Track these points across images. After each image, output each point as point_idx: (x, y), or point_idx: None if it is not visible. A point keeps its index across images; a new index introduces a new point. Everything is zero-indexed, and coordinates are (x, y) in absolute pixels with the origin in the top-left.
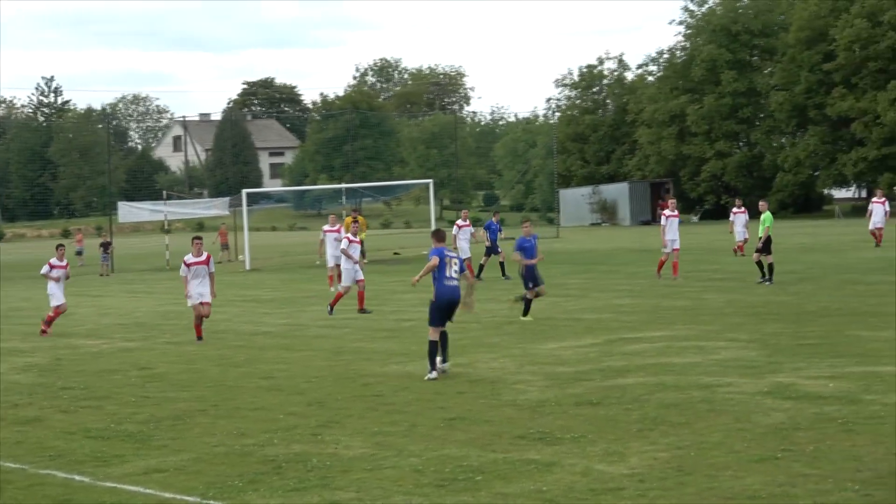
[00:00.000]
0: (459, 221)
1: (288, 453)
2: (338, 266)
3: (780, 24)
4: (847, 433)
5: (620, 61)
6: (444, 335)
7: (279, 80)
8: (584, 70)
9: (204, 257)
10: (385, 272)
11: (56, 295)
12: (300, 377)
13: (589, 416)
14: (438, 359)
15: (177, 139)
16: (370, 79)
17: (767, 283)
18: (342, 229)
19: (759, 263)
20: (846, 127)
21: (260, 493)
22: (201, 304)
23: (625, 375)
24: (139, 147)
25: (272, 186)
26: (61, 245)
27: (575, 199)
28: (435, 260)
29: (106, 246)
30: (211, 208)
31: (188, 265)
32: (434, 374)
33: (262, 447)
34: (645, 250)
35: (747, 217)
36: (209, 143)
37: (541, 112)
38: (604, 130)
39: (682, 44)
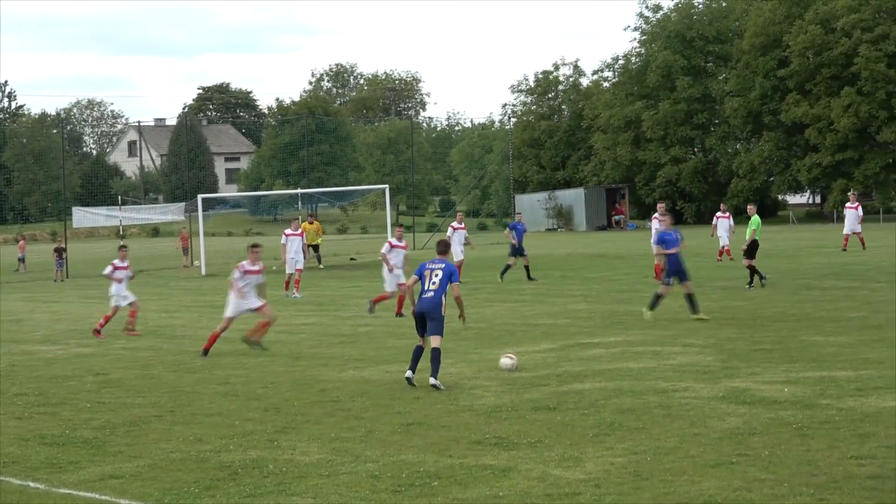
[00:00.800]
0: (455, 224)
1: (244, 459)
2: (299, 271)
3: (734, 30)
4: (802, 438)
5: (576, 67)
6: (435, 353)
7: (235, 86)
8: (540, 76)
9: (260, 266)
10: (342, 277)
11: (115, 296)
12: (257, 383)
13: (545, 422)
14: (433, 380)
15: (132, 144)
16: (326, 84)
17: (764, 281)
18: (303, 234)
19: (751, 268)
20: (800, 133)
21: (216, 499)
22: (233, 317)
23: (581, 381)
24: (94, 152)
25: (228, 192)
26: (124, 246)
27: (531, 205)
28: (412, 279)
29: (60, 251)
30: (166, 214)
31: (244, 272)
32: (408, 374)
33: (219, 453)
34: (600, 256)
35: (731, 222)
36: (164, 148)
37: (497, 118)
38: (559, 136)
39: (638, 50)
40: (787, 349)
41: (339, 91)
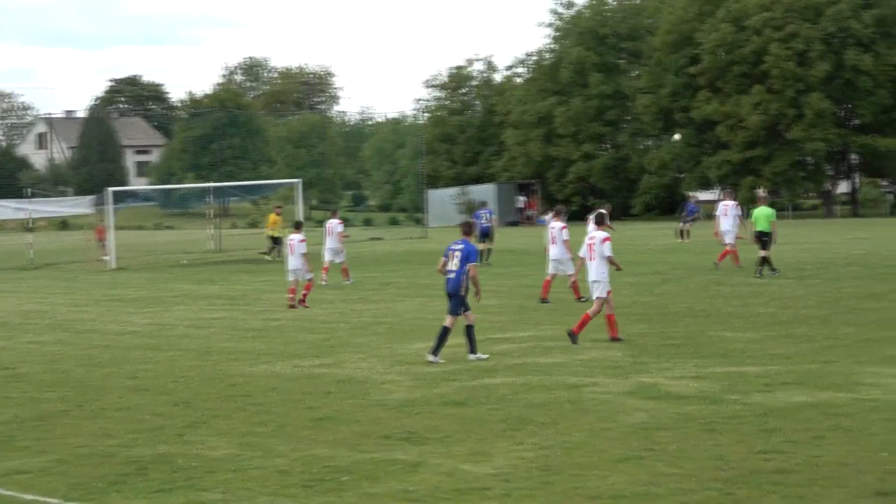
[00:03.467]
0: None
1: (153, 454)
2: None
3: (646, 27)
4: (710, 432)
5: (489, 63)
6: (467, 330)
7: (146, 78)
8: (453, 71)
9: None
10: (252, 272)
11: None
12: (166, 377)
13: (455, 416)
14: (473, 355)
15: (41, 136)
16: (238, 77)
17: (773, 273)
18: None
19: (765, 259)
20: (710, 130)
21: (124, 494)
22: None
23: (491, 375)
24: (2, 144)
25: (138, 185)
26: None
27: (442, 200)
28: (441, 261)
29: None
30: (75, 207)
31: None
32: (431, 358)
33: (127, 448)
34: (510, 251)
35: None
36: (74, 140)
37: (409, 113)
38: (471, 132)
39: (551, 46)
40: (695, 345)
41: (252, 84)
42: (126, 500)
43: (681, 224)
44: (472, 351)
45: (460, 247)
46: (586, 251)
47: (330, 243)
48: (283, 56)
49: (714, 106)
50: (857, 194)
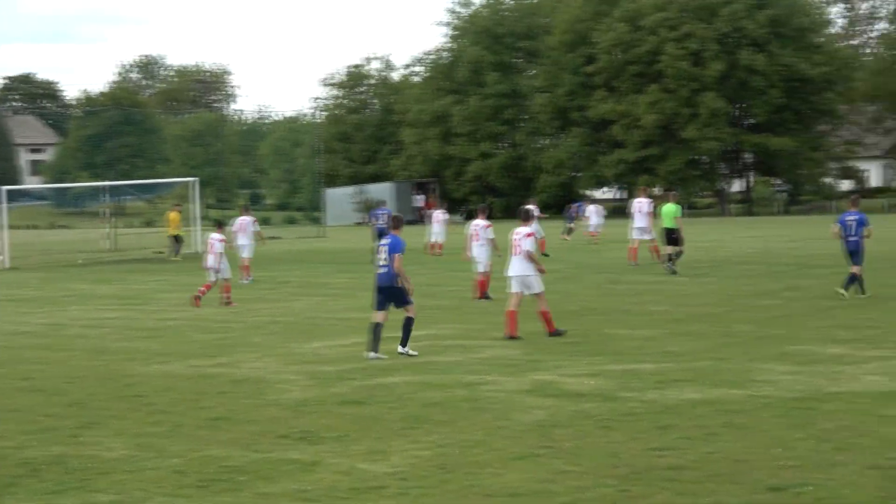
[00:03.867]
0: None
1: (46, 455)
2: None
3: (543, 27)
4: (605, 430)
5: (386, 61)
6: (406, 322)
7: (40, 76)
8: (350, 69)
9: None
10: (148, 271)
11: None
12: (60, 378)
13: (352, 415)
14: (402, 348)
15: None
16: (134, 75)
17: (669, 268)
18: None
19: (677, 254)
20: (606, 129)
21: (16, 496)
22: None
23: (388, 374)
24: None
25: (32, 184)
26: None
27: (340, 199)
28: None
29: None
30: None
31: None
32: (372, 355)
33: (20, 449)
34: (410, 249)
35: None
36: None
37: (306, 111)
38: (369, 130)
39: (448, 45)
40: (591, 342)
41: (147, 82)
42: (19, 502)
43: (569, 223)
44: (405, 343)
45: (387, 241)
46: (511, 246)
47: (242, 240)
48: (180, 54)
49: (610, 105)
50: (751, 193)
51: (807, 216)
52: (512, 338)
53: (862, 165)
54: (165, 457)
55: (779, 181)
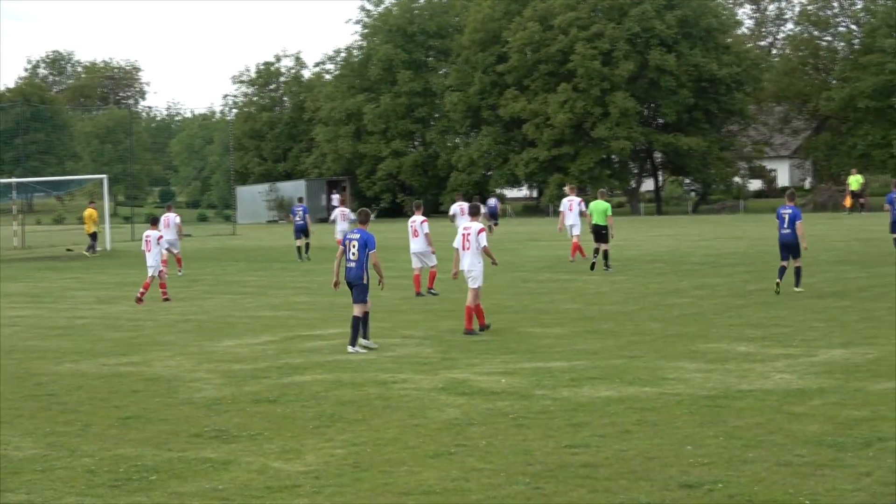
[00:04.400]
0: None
1: None
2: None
3: (454, 25)
4: (518, 428)
5: (298, 59)
6: (364, 317)
7: None
8: (262, 67)
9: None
10: (58, 269)
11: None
12: None
13: (266, 414)
14: (367, 341)
15: None
16: (42, 71)
17: (607, 269)
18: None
19: (605, 252)
20: (518, 128)
21: None
22: None
23: (302, 373)
24: None
25: None
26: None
27: (252, 197)
28: (339, 251)
29: None
30: None
31: None
32: (352, 349)
33: None
34: (322, 248)
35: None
36: None
37: (218, 108)
38: (281, 128)
39: (360, 43)
40: (504, 341)
41: (56, 79)
42: None
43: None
44: (366, 336)
45: (357, 236)
46: (460, 242)
47: (168, 234)
48: (89, 50)
49: (521, 104)
50: (662, 192)
51: (717, 215)
52: (469, 332)
53: (770, 165)
54: (77, 456)
55: (689, 180)
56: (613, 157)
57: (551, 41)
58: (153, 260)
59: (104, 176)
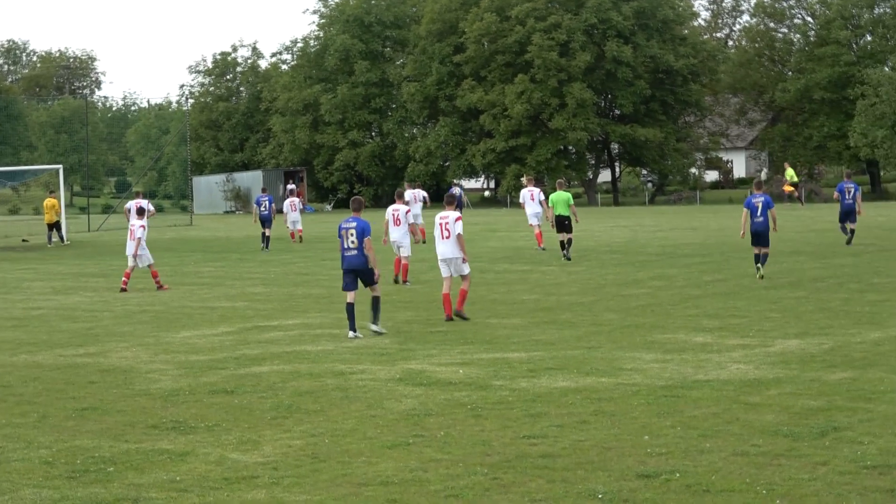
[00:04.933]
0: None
1: None
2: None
3: (411, 16)
4: (476, 418)
5: (254, 49)
6: (374, 301)
7: None
8: (218, 57)
9: None
10: (13, 260)
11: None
12: None
13: (223, 405)
14: (375, 326)
15: None
16: None
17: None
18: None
19: (568, 241)
20: (475, 119)
21: None
22: None
23: (259, 364)
24: None
25: None
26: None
27: (208, 187)
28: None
29: None
30: None
31: None
32: (352, 335)
33: None
34: (279, 238)
35: (542, 196)
36: None
37: (174, 98)
38: (237, 118)
39: (316, 33)
40: (461, 331)
41: (11, 68)
42: None
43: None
44: (376, 321)
45: (353, 224)
46: (438, 231)
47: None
48: (44, 39)
49: (478, 95)
50: (619, 183)
51: (673, 206)
52: (450, 318)
53: (727, 157)
54: (33, 448)
55: (645, 171)
56: (570, 147)
57: (508, 32)
58: (132, 249)
59: (60, 166)
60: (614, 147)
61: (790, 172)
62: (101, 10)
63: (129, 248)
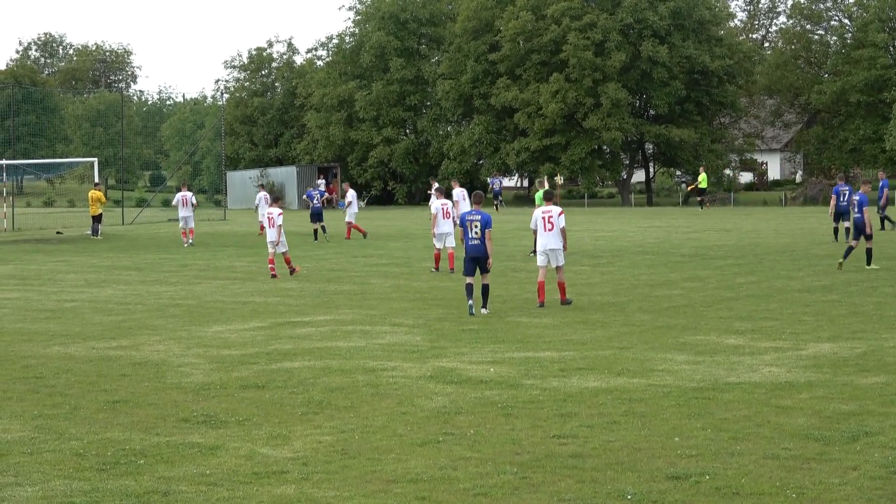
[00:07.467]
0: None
1: None
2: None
3: (447, 13)
4: (507, 417)
5: (290, 45)
6: (485, 287)
7: None
8: (254, 52)
9: None
10: (48, 252)
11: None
12: None
13: (254, 400)
14: (484, 309)
15: None
16: (34, 53)
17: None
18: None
19: None
20: (510, 117)
21: None
22: None
23: (291, 359)
24: None
25: None
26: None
27: (243, 182)
28: (460, 230)
29: None
30: None
31: None
32: (471, 302)
33: None
34: (311, 234)
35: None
36: None
37: (209, 93)
38: (272, 114)
39: (352, 30)
40: (493, 330)
41: (48, 61)
42: None
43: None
44: (485, 306)
45: (478, 217)
46: (541, 223)
47: (185, 212)
48: (81, 33)
49: (513, 93)
50: (652, 183)
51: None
52: (542, 305)
53: (761, 158)
54: (65, 439)
55: (679, 172)
56: (605, 147)
57: (544, 31)
58: (274, 236)
59: (95, 159)
60: (649, 147)
61: (702, 177)
62: (138, 4)
63: (271, 235)
